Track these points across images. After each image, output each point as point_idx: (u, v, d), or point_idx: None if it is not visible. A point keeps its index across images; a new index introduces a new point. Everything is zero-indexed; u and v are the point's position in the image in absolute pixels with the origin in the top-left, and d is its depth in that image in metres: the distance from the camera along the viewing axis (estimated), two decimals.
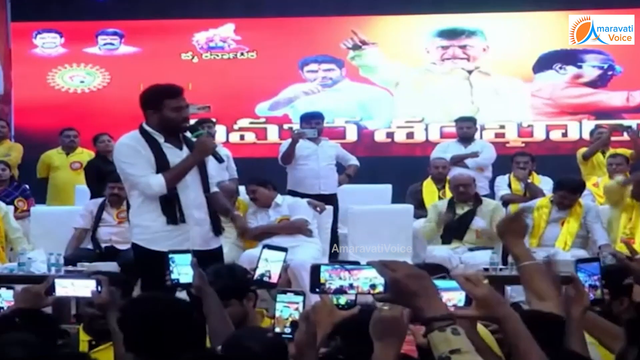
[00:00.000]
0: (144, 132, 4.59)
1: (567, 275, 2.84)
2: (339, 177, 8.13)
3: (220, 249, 4.73)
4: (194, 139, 4.61)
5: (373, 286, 1.98)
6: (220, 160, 4.67)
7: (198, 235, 4.56)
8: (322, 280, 2.01)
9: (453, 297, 2.22)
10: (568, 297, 2.72)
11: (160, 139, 4.57)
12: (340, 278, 2.01)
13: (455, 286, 2.15)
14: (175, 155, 4.57)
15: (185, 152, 4.59)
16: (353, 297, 2.45)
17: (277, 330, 2.47)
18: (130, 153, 4.57)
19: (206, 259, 4.02)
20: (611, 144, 8.89)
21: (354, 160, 8.34)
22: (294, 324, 2.45)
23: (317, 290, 2.03)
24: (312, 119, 8.18)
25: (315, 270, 2.02)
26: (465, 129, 8.81)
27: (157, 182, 4.51)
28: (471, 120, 8.97)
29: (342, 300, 2.46)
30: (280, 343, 2.56)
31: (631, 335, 2.54)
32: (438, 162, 8.32)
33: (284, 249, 2.94)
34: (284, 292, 2.52)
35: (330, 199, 7.79)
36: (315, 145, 7.96)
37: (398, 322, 2.13)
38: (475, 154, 8.55)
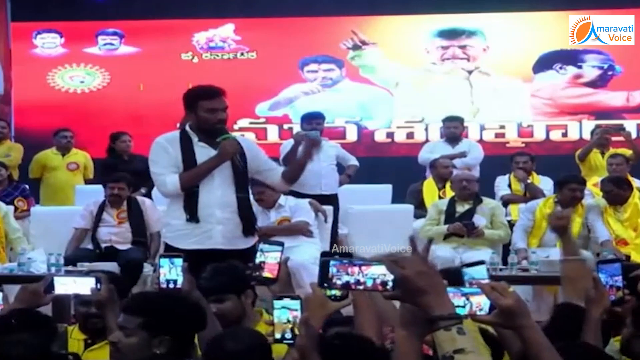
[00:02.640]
0: (183, 132, 4.68)
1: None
2: (339, 177, 8.13)
3: (250, 249, 4.57)
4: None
5: (383, 283, 1.97)
6: (240, 167, 4.64)
7: (220, 235, 4.57)
8: (329, 275, 2.01)
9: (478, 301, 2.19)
10: (589, 297, 2.76)
11: (195, 138, 4.63)
12: (348, 273, 2.00)
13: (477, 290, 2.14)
14: (207, 154, 4.60)
15: None
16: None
17: (277, 336, 2.45)
18: (157, 151, 4.67)
19: (232, 259, 4.00)
20: (612, 144, 8.90)
21: (353, 161, 8.34)
22: (292, 330, 2.43)
23: (325, 285, 2.02)
24: (313, 119, 8.17)
25: (325, 264, 2.01)
26: (453, 129, 8.82)
27: (172, 181, 4.58)
28: (458, 120, 8.96)
29: (335, 291, 2.44)
30: (262, 345, 2.54)
31: (637, 323, 2.55)
32: (446, 162, 8.30)
33: (281, 243, 2.94)
34: (281, 298, 2.51)
35: (331, 199, 7.79)
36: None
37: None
38: (463, 154, 8.56)
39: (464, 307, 2.12)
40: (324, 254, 2.69)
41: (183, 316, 2.88)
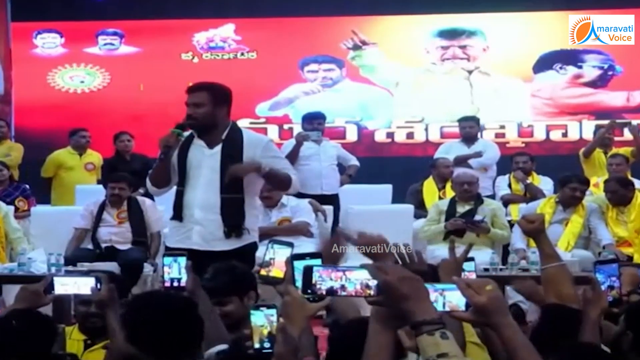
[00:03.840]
0: None
1: (584, 275, 2.90)
2: (340, 178, 8.13)
3: (233, 252, 4.51)
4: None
5: (366, 288, 1.97)
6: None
7: (197, 235, 4.56)
8: (313, 282, 2.00)
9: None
10: (586, 298, 2.74)
11: (195, 136, 4.63)
12: (331, 279, 2.00)
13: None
14: (199, 153, 4.60)
15: (215, 150, 4.58)
16: None
17: (257, 345, 2.45)
18: None
19: (207, 260, 3.98)
20: (614, 143, 8.91)
21: (354, 161, 8.35)
22: (271, 337, 2.42)
23: (309, 291, 2.02)
24: (314, 119, 8.18)
25: (308, 271, 2.01)
26: (468, 129, 8.79)
27: (148, 180, 4.71)
28: (474, 120, 8.96)
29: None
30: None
31: (629, 322, 2.56)
32: (446, 162, 8.30)
33: (290, 244, 2.94)
34: (257, 308, 2.50)
35: (332, 199, 7.79)
36: (317, 146, 7.95)
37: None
38: (478, 154, 8.53)
39: (435, 302, 2.08)
40: (294, 257, 2.66)
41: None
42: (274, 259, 2.90)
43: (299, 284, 2.45)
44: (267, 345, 2.41)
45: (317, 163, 7.93)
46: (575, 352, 2.35)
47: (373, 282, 1.96)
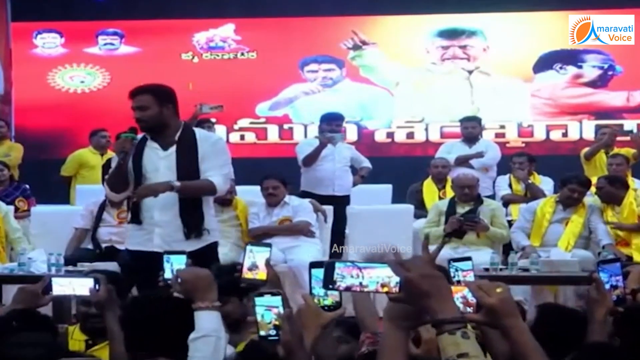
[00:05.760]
0: None
1: (584, 275, 2.89)
2: (353, 179, 8.11)
3: (196, 252, 4.41)
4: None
5: (387, 286, 1.95)
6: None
7: (158, 237, 4.55)
8: (334, 278, 1.99)
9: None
10: (591, 298, 2.74)
11: (148, 139, 4.64)
12: (351, 276, 1.98)
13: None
14: (154, 155, 4.61)
15: (169, 152, 4.59)
16: (338, 299, 2.44)
17: (262, 333, 2.44)
18: None
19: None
20: (615, 144, 8.90)
21: (366, 163, 8.32)
22: (276, 327, 2.42)
23: (331, 287, 2.00)
24: (332, 121, 8.09)
25: (330, 267, 2.00)
26: (470, 129, 8.76)
27: (105, 185, 4.84)
28: (476, 120, 8.94)
29: (328, 301, 2.44)
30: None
31: (619, 328, 2.55)
32: (438, 162, 8.31)
33: (268, 245, 2.97)
34: (261, 295, 2.49)
35: (343, 200, 7.76)
36: (332, 147, 7.93)
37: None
38: (480, 154, 8.50)
39: None
40: (313, 265, 2.67)
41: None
42: (256, 261, 2.91)
43: (315, 291, 2.46)
44: (272, 333, 2.41)
45: (331, 164, 7.91)
46: (597, 351, 2.34)
47: (394, 280, 1.95)
